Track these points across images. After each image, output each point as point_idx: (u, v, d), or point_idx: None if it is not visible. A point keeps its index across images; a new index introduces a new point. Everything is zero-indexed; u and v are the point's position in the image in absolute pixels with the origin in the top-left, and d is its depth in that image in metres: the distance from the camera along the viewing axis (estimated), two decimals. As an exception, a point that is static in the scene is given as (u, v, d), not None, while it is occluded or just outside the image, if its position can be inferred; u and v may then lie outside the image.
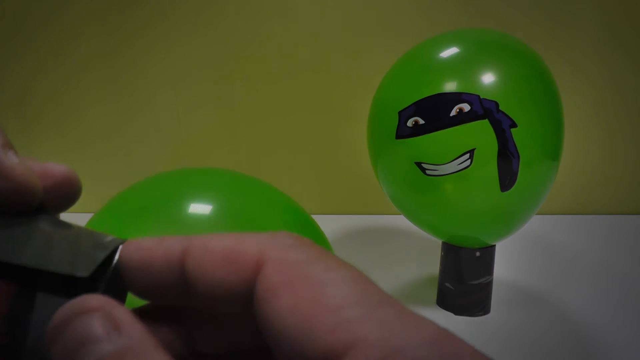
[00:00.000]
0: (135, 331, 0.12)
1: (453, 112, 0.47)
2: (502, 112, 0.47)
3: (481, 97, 0.47)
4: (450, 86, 0.48)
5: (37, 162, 0.15)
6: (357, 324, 0.11)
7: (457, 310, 0.60)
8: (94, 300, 0.12)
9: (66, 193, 0.16)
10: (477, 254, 0.57)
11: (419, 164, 0.50)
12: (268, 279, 0.12)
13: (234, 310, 0.13)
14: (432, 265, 0.70)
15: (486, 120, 0.47)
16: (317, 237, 0.37)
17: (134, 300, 0.15)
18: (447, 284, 0.60)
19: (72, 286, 0.13)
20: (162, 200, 0.35)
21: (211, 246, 0.13)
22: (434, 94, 0.48)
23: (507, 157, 0.48)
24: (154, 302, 0.15)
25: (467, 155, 0.48)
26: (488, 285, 0.59)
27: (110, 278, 0.14)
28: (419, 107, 0.49)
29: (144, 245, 0.14)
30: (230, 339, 0.15)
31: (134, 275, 0.14)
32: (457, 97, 0.47)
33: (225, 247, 0.13)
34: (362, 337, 0.11)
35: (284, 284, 0.12)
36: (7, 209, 0.14)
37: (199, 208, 0.34)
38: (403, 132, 0.50)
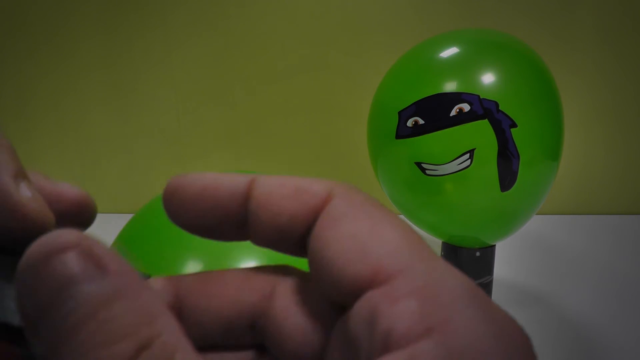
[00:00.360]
0: (122, 269, 0.10)
1: (453, 112, 0.47)
2: (502, 112, 0.47)
3: (481, 97, 0.47)
4: (450, 86, 0.48)
5: (49, 183, 0.15)
6: (408, 255, 0.12)
7: (457, 310, 0.60)
8: (70, 235, 0.10)
9: (79, 217, 0.15)
10: (477, 254, 0.57)
11: (419, 164, 0.50)
12: (335, 209, 0.13)
13: (287, 246, 0.14)
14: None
15: (486, 120, 0.47)
16: None
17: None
18: (447, 284, 0.60)
19: None
20: None
21: (282, 180, 0.14)
22: (434, 94, 0.48)
23: (507, 157, 0.48)
24: (198, 235, 0.15)
25: (467, 155, 0.48)
26: (488, 285, 0.59)
27: None
28: (419, 107, 0.49)
29: (206, 175, 0.14)
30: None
31: (188, 205, 0.14)
32: (457, 97, 0.47)
33: (296, 183, 0.14)
34: (411, 266, 0.11)
35: (348, 215, 0.12)
36: (16, 244, 0.13)
37: None
38: (403, 132, 0.50)
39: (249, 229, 0.14)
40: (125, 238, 0.36)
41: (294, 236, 0.13)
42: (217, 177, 0.14)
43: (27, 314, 0.10)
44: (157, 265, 0.32)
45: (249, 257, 0.31)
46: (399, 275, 0.11)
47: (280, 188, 0.13)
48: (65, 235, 0.10)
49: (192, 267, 0.31)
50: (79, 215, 0.15)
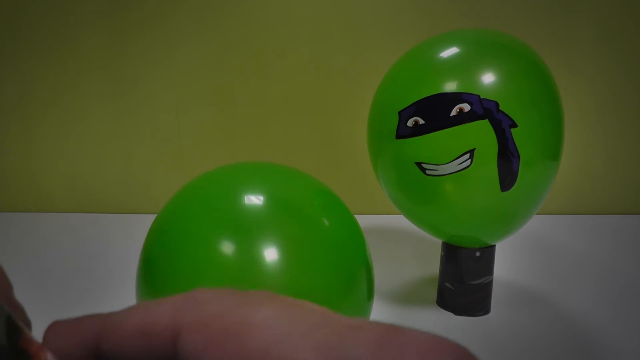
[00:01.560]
0: None
1: (453, 112, 0.47)
2: (502, 112, 0.47)
3: (481, 97, 0.47)
4: (450, 86, 0.48)
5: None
6: (290, 355, 0.10)
7: (457, 310, 0.60)
8: None
9: None
10: (477, 254, 0.57)
11: (419, 164, 0.50)
12: (188, 345, 0.11)
13: None
14: (432, 265, 0.70)
15: (486, 120, 0.47)
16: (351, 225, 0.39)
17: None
18: (447, 284, 0.60)
19: None
20: (221, 196, 0.36)
21: (125, 325, 0.12)
22: (434, 94, 0.48)
23: (507, 157, 0.48)
24: None
25: (467, 155, 0.48)
26: (488, 285, 0.59)
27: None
28: (419, 107, 0.49)
29: (60, 331, 0.13)
30: None
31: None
32: (457, 97, 0.47)
33: (138, 322, 0.12)
34: None
35: (206, 344, 0.11)
36: None
37: (256, 200, 0.36)
38: (403, 132, 0.50)
39: None
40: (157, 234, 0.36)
41: None
42: (68, 333, 0.13)
43: None
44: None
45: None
46: None
47: (124, 335, 0.12)
48: None
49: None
50: None
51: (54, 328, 0.13)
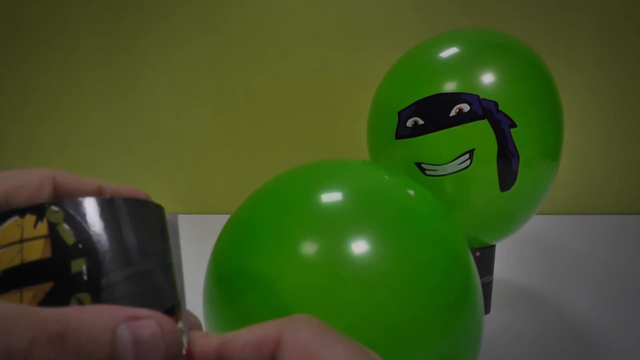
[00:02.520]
0: None
1: (453, 112, 0.47)
2: (502, 112, 0.47)
3: (481, 97, 0.47)
4: (449, 86, 0.48)
5: (114, 187, 0.20)
6: None
7: (457, 310, 0.60)
8: None
9: None
10: (477, 254, 0.57)
11: (418, 164, 0.50)
12: (283, 354, 0.15)
13: None
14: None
15: (486, 121, 0.47)
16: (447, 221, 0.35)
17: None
18: (447, 284, 0.60)
19: None
20: (301, 196, 0.33)
21: (242, 337, 0.17)
22: (433, 94, 0.48)
23: (507, 157, 0.48)
24: None
25: (467, 156, 0.48)
26: (488, 285, 0.59)
27: None
28: (418, 107, 0.49)
29: (194, 342, 0.17)
30: None
31: None
32: (456, 97, 0.47)
33: (254, 336, 0.16)
34: None
35: (293, 357, 0.15)
36: None
37: (336, 198, 0.32)
38: (403, 132, 0.50)
39: None
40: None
41: None
42: (194, 347, 0.17)
43: None
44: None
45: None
46: None
47: (244, 346, 0.16)
48: None
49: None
50: None
51: (194, 336, 0.17)
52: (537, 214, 0.56)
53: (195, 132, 1.04)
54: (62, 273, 0.15)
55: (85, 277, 0.15)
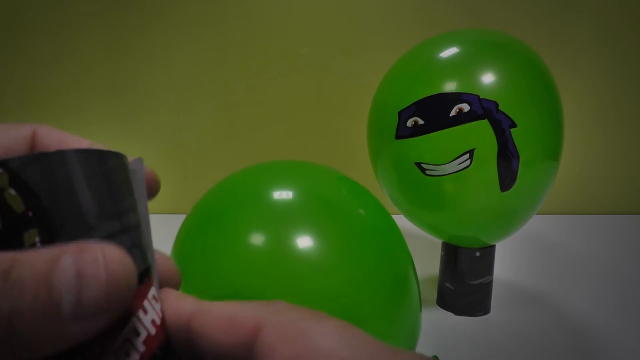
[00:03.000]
0: None
1: (453, 112, 0.47)
2: (502, 112, 0.47)
3: (481, 97, 0.47)
4: (449, 86, 0.48)
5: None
6: (352, 357, 0.13)
7: (457, 310, 0.60)
8: None
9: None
10: (477, 254, 0.57)
11: (418, 164, 0.50)
12: (266, 338, 0.14)
13: None
14: (432, 265, 0.70)
15: (486, 120, 0.47)
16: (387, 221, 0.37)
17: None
18: (447, 284, 0.60)
19: None
20: (251, 195, 0.35)
21: (215, 311, 0.15)
22: (433, 94, 0.48)
23: (507, 157, 0.48)
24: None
25: (467, 155, 0.48)
26: (488, 285, 0.59)
27: None
28: (418, 107, 0.49)
29: (166, 300, 0.16)
30: None
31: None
32: (456, 97, 0.47)
33: (228, 312, 0.15)
34: None
35: (281, 339, 0.14)
36: None
37: (286, 197, 0.34)
38: (403, 132, 0.50)
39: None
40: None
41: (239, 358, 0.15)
42: (167, 309, 0.16)
43: None
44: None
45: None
46: None
47: (214, 319, 0.15)
48: None
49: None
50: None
51: (165, 292, 0.16)
52: (537, 214, 0.56)
53: (195, 132, 1.04)
54: (14, 247, 0.13)
55: None
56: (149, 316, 0.15)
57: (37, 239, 0.13)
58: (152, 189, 0.20)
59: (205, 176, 1.07)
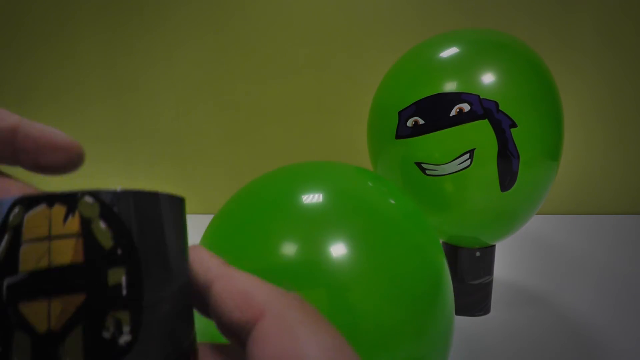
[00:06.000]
0: None
1: (453, 112, 0.47)
2: (502, 112, 0.47)
3: (481, 97, 0.47)
4: (450, 86, 0.48)
5: (43, 130, 0.18)
6: None
7: (457, 310, 0.60)
8: None
9: (70, 162, 0.18)
10: (477, 254, 0.57)
11: (419, 164, 0.50)
12: (264, 327, 0.14)
13: (239, 341, 0.15)
14: (432, 265, 0.70)
15: (486, 120, 0.47)
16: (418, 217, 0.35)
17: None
18: (447, 284, 0.60)
19: None
20: (279, 197, 0.33)
21: (236, 281, 0.16)
22: (433, 94, 0.48)
23: (507, 157, 0.48)
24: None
25: (467, 155, 0.48)
26: (488, 285, 0.59)
27: None
28: (419, 107, 0.49)
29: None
30: None
31: None
32: (457, 97, 0.47)
33: (245, 287, 0.15)
34: None
35: (276, 335, 0.14)
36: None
37: (316, 199, 0.32)
38: (403, 132, 0.50)
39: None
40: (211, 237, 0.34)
41: (240, 334, 0.15)
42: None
43: None
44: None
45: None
46: None
47: (232, 292, 0.16)
48: None
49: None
50: (70, 160, 0.18)
51: (197, 250, 0.17)
52: (537, 214, 0.56)
53: (195, 132, 1.04)
54: (97, 284, 0.12)
55: (124, 292, 0.13)
56: None
57: (122, 278, 0.13)
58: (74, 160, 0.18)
59: (205, 176, 1.07)
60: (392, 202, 0.34)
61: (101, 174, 1.07)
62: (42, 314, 0.12)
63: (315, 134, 1.02)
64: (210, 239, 0.33)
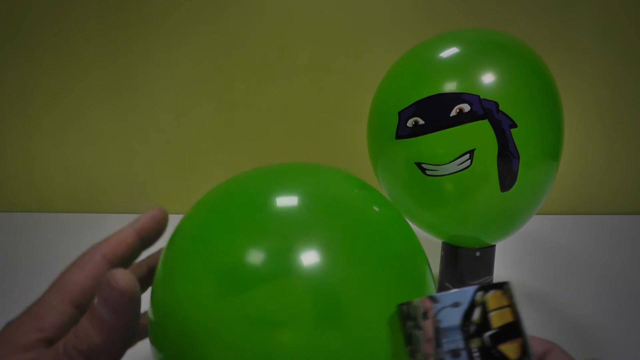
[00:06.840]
0: None
1: (453, 113, 0.47)
2: (502, 112, 0.47)
3: (481, 97, 0.47)
4: (450, 86, 0.48)
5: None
6: None
7: (457, 310, 0.60)
8: None
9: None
10: (477, 254, 0.57)
11: (419, 164, 0.50)
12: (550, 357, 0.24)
13: None
14: (432, 265, 0.70)
15: (486, 121, 0.47)
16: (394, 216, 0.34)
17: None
18: (447, 284, 0.60)
19: None
20: (251, 199, 0.30)
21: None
22: (434, 94, 0.48)
23: (507, 157, 0.48)
24: None
25: (467, 156, 0.48)
26: (488, 285, 0.59)
27: None
28: (419, 107, 0.49)
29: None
30: None
31: None
32: (457, 97, 0.47)
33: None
34: None
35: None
36: None
37: (290, 202, 0.30)
38: (403, 132, 0.50)
39: None
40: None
41: None
42: None
43: None
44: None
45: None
46: None
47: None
48: None
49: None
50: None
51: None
52: (537, 214, 0.56)
53: (195, 132, 1.04)
54: (523, 335, 0.23)
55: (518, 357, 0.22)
56: None
57: (518, 345, 0.23)
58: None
59: (205, 176, 1.07)
60: (376, 209, 0.33)
61: (101, 174, 1.08)
62: (515, 349, 0.22)
63: (315, 134, 1.02)
64: (178, 241, 0.31)
